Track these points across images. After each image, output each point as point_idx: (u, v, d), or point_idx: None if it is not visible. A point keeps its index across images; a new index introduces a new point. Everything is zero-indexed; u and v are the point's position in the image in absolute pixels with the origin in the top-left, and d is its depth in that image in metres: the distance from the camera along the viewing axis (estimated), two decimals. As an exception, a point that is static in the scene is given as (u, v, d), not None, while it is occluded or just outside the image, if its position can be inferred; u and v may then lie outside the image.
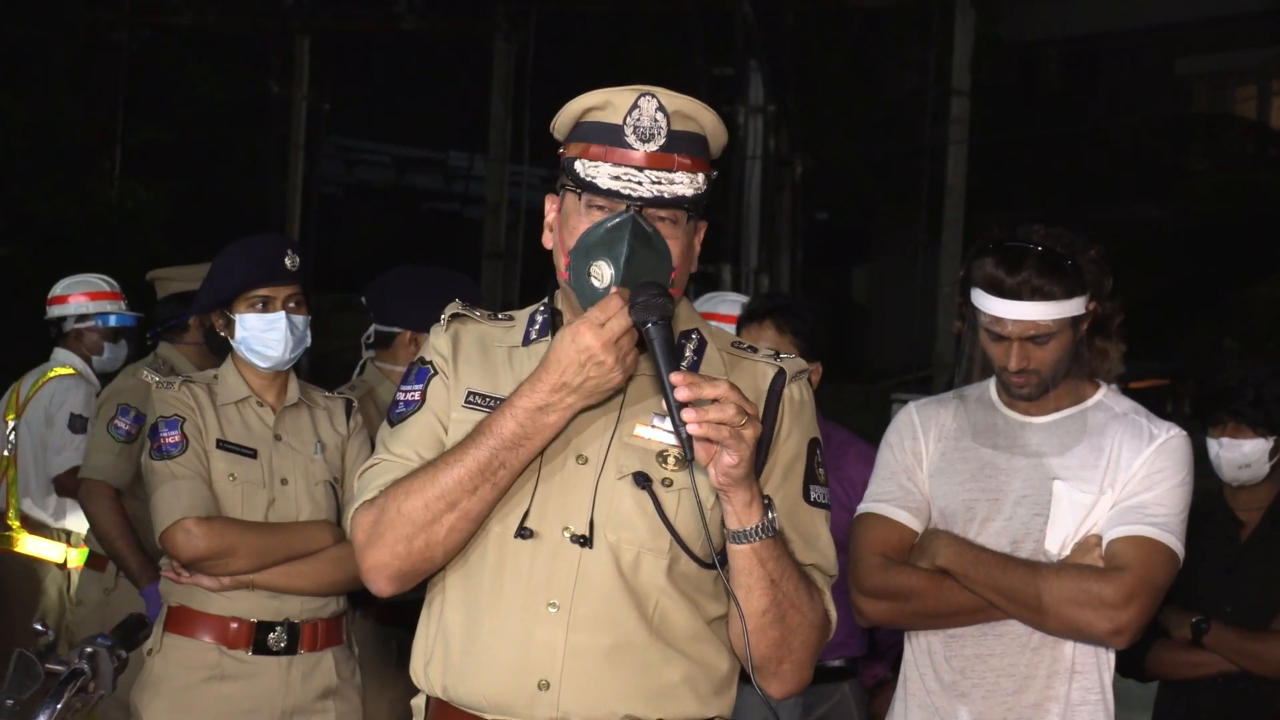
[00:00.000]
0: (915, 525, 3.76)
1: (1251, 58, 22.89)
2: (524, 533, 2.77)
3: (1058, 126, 22.27)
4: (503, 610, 2.77)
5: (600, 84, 2.88)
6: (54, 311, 7.22)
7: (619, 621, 2.75)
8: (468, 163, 21.34)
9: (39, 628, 2.81)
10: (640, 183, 2.77)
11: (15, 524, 6.92)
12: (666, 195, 2.77)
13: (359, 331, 5.61)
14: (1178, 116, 23.90)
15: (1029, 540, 3.68)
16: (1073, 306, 3.65)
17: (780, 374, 2.88)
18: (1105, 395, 3.79)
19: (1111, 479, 3.67)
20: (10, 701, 2.66)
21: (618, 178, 2.77)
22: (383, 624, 5.21)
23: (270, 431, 4.45)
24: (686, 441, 2.60)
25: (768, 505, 2.69)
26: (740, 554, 2.69)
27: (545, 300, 2.97)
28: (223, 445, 4.36)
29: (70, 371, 7.05)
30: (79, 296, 7.22)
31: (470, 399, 2.87)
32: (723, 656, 2.84)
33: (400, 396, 2.93)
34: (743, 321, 4.87)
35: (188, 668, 4.30)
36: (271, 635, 4.35)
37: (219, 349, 4.62)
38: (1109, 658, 3.73)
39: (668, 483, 2.76)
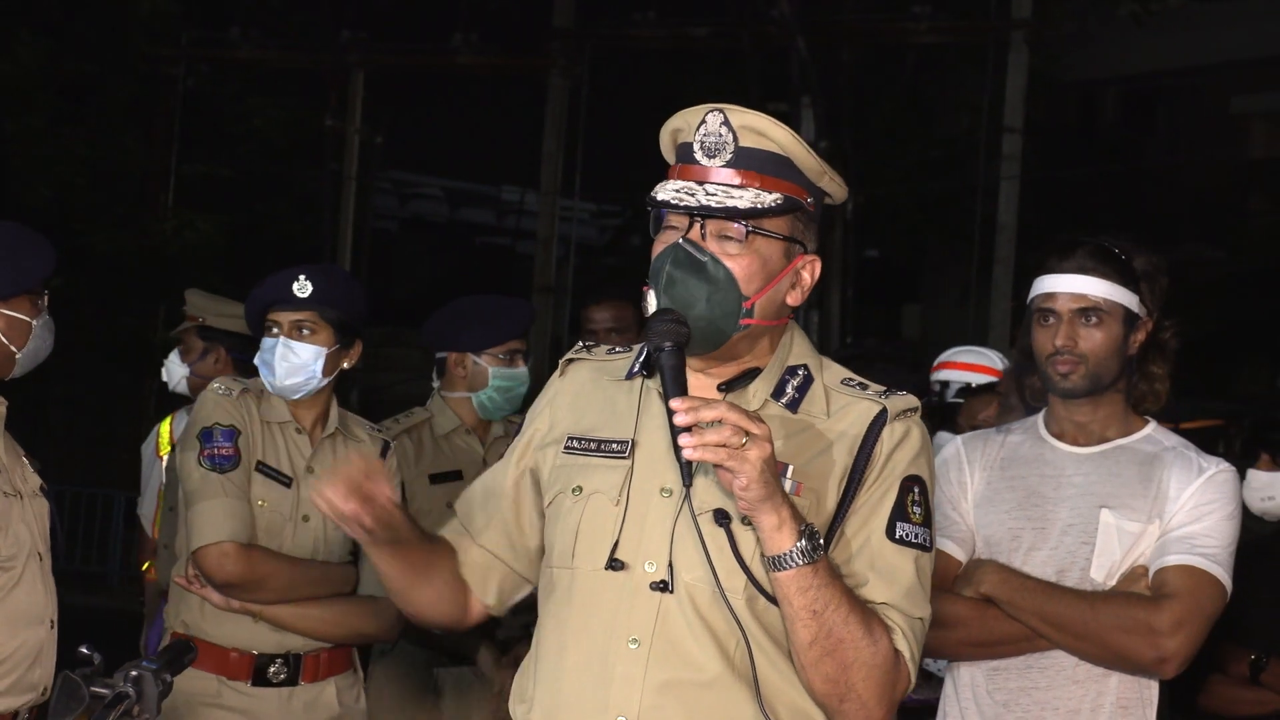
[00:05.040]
0: (960, 555, 3.74)
1: (1308, 96, 22.77)
2: (615, 564, 2.77)
3: (1113, 165, 22.19)
4: (586, 645, 2.77)
5: (654, 120, 2.92)
6: None
7: (698, 659, 2.73)
8: (520, 197, 21.41)
9: (84, 650, 2.82)
10: (693, 194, 2.75)
11: None
12: (714, 205, 2.74)
13: (411, 365, 5.65)
14: (1234, 157, 23.76)
15: (1075, 569, 3.65)
16: (1123, 295, 3.68)
17: (882, 412, 2.82)
18: (1153, 429, 3.78)
19: (1159, 509, 3.64)
20: (55, 724, 2.66)
21: (676, 191, 2.76)
22: (427, 648, 5.20)
23: (304, 461, 4.44)
24: (685, 466, 2.59)
25: (805, 532, 2.63)
26: (778, 582, 2.65)
27: None
28: (262, 468, 4.35)
29: None
30: None
31: (569, 444, 2.89)
32: (808, 699, 2.78)
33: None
34: None
35: (187, 695, 4.24)
36: (272, 668, 4.33)
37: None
38: (1153, 693, 3.69)
39: (747, 520, 2.69)
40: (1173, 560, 3.59)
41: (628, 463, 2.82)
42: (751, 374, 2.84)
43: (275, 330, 4.40)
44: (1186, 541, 3.60)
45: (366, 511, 2.76)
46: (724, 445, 2.54)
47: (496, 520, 2.98)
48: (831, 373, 2.90)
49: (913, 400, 2.87)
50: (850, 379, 2.89)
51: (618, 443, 2.84)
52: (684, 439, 2.54)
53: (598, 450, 2.85)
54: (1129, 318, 3.70)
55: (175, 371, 6.22)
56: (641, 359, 2.90)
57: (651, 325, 2.71)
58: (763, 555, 2.66)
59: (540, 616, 2.89)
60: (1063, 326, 3.68)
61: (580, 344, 3.05)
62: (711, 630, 2.74)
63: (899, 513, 2.80)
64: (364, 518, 2.75)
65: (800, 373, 2.86)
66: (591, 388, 2.95)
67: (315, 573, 4.36)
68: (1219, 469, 3.68)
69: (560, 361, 3.02)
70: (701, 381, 2.82)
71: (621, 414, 2.87)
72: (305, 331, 4.39)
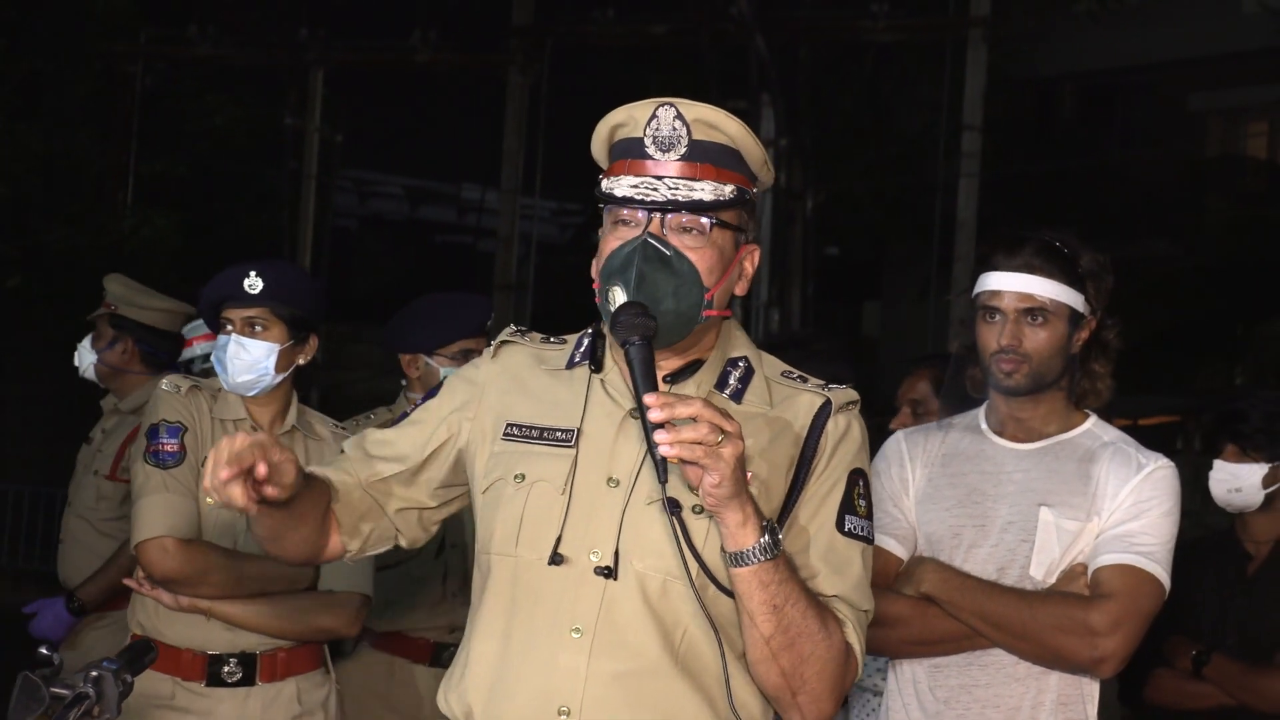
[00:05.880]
0: (901, 553, 3.76)
1: (1263, 94, 22.92)
2: (557, 559, 2.76)
3: (1071, 162, 22.28)
4: (527, 636, 2.77)
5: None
6: (185, 354, 7.07)
7: (642, 649, 2.73)
8: (480, 195, 21.38)
9: (44, 651, 2.81)
10: (655, 189, 2.75)
11: None
12: (682, 200, 2.75)
13: (371, 363, 5.62)
14: (1191, 154, 23.90)
15: (1014, 566, 3.67)
16: (1069, 295, 3.68)
17: (826, 404, 2.85)
18: (1094, 424, 3.80)
19: (1098, 507, 3.66)
20: (13, 726, 2.65)
21: (635, 186, 2.76)
22: (388, 653, 5.20)
23: None
24: (661, 463, 2.58)
25: (767, 528, 2.65)
26: (739, 577, 2.66)
27: (595, 323, 2.96)
28: None
29: None
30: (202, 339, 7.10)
31: (509, 431, 2.88)
32: (754, 693, 2.80)
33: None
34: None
35: (143, 697, 4.19)
36: (225, 668, 4.31)
37: None
38: (1093, 690, 3.71)
39: (698, 509, 2.71)
40: (1111, 559, 3.61)
41: (572, 452, 2.82)
42: (694, 366, 2.86)
43: (228, 327, 4.37)
44: (1124, 540, 3.61)
45: (255, 489, 2.67)
46: (700, 443, 2.54)
47: (393, 474, 2.96)
48: (770, 365, 2.92)
49: (853, 394, 2.90)
50: (789, 371, 2.92)
51: (562, 431, 2.84)
52: (660, 435, 2.54)
53: (540, 438, 2.85)
54: (1074, 317, 3.70)
55: (85, 357, 6.19)
56: (583, 349, 2.91)
57: (619, 319, 2.71)
58: (724, 551, 2.67)
59: (477, 603, 2.88)
60: (1008, 326, 3.68)
61: (513, 327, 3.03)
62: (658, 619, 2.74)
63: (847, 506, 2.83)
64: (250, 503, 2.67)
65: (741, 364, 2.88)
66: (528, 375, 2.94)
67: (266, 569, 4.32)
68: (1157, 465, 3.69)
69: (493, 343, 3.00)
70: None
71: (564, 403, 2.87)
72: (257, 328, 4.36)
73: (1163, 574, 3.62)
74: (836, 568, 2.80)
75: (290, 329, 4.39)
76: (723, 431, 2.55)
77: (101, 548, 6.15)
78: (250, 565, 4.31)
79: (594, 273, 2.89)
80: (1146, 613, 3.61)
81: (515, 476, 2.83)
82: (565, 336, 3.00)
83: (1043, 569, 3.65)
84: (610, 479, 2.79)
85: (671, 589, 2.74)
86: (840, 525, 2.82)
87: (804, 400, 2.86)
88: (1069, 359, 3.73)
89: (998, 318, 3.70)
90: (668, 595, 2.74)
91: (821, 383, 2.90)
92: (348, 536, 2.95)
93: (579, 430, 2.83)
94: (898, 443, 3.88)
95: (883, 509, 3.77)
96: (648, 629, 2.74)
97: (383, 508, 2.97)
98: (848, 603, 2.80)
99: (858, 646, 2.80)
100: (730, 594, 2.72)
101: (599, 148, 2.90)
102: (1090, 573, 3.63)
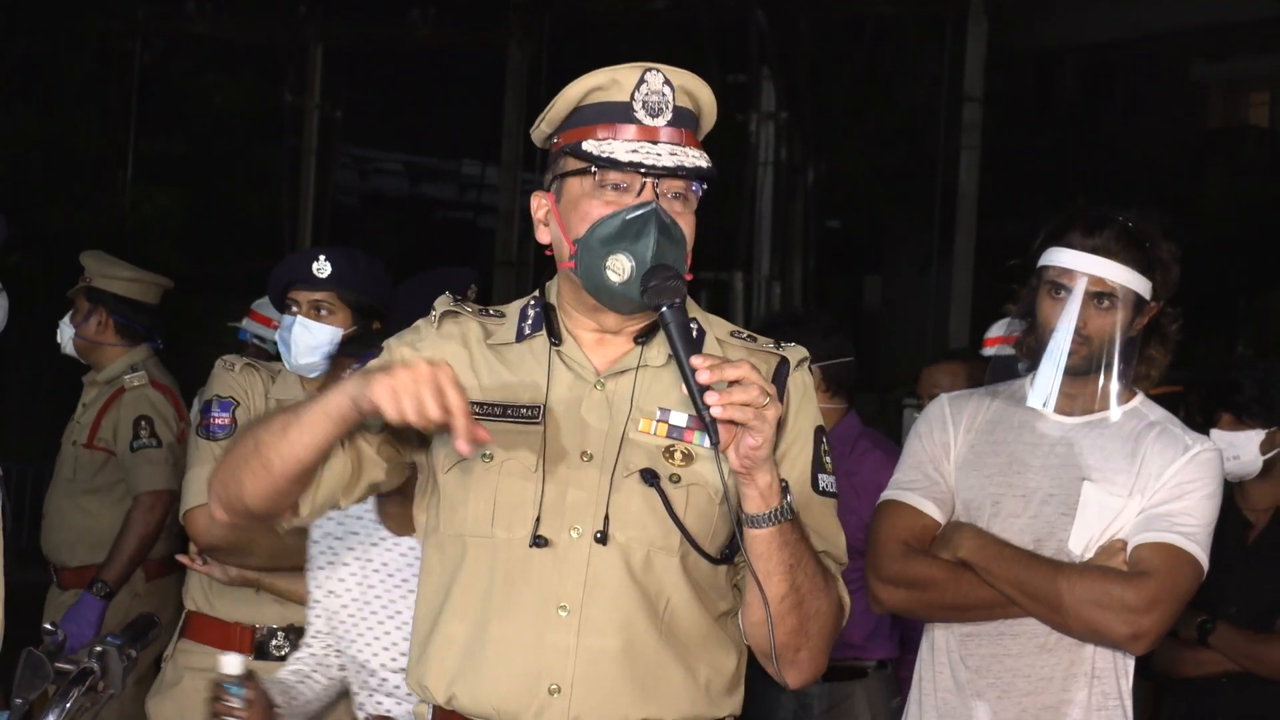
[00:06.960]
0: (939, 516, 3.73)
1: (1264, 64, 22.89)
2: (539, 541, 2.72)
3: (1071, 134, 22.26)
4: (512, 616, 2.73)
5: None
6: (255, 328, 6.94)
7: (630, 623, 2.72)
8: (481, 171, 21.36)
9: (48, 627, 2.82)
10: (660, 154, 2.72)
11: None
12: (687, 165, 2.72)
13: (373, 341, 5.56)
14: (1191, 126, 23.87)
15: (1053, 539, 3.64)
16: (1139, 284, 3.66)
17: (784, 363, 2.84)
18: (1140, 403, 3.77)
19: (1142, 485, 3.63)
20: (19, 700, 2.66)
21: (635, 150, 2.72)
22: None
23: None
24: (711, 425, 2.56)
25: (785, 488, 2.65)
26: (760, 538, 2.66)
27: (535, 294, 2.91)
28: None
29: None
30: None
31: (474, 409, 2.78)
32: (731, 654, 2.81)
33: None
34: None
35: (193, 672, 4.31)
36: (274, 641, 4.34)
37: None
38: (1128, 664, 3.68)
39: (675, 479, 2.71)
40: (1151, 537, 3.58)
41: (540, 428, 2.76)
42: (655, 327, 2.81)
43: (294, 309, 4.47)
44: (1166, 519, 3.59)
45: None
46: (749, 404, 2.54)
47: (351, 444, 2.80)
48: (717, 324, 2.90)
49: (803, 350, 2.89)
50: (738, 331, 2.90)
51: (526, 408, 2.77)
52: (710, 396, 2.53)
53: (504, 415, 2.78)
54: (1139, 302, 3.68)
55: (64, 333, 6.23)
56: (530, 321, 2.85)
57: (651, 283, 2.67)
58: (744, 513, 2.66)
59: (443, 583, 2.80)
60: (1075, 306, 3.67)
61: (449, 295, 2.94)
62: (642, 591, 2.73)
63: (818, 465, 2.84)
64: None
65: (694, 325, 2.83)
66: (475, 349, 2.86)
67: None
68: (1203, 448, 3.67)
69: (434, 313, 2.91)
70: (618, 340, 2.81)
71: (523, 376, 2.81)
72: (323, 312, 4.45)
73: (1202, 555, 3.59)
74: (818, 527, 2.81)
75: (355, 314, 4.46)
76: (766, 394, 2.55)
77: (75, 519, 6.17)
78: (296, 537, 4.33)
79: (547, 236, 2.82)
80: (1184, 592, 3.58)
81: (483, 456, 2.76)
82: (500, 308, 2.93)
83: (1081, 544, 3.62)
84: (584, 453, 2.76)
85: (655, 560, 2.73)
86: (815, 485, 2.83)
87: (758, 361, 2.80)
88: (1127, 342, 3.71)
89: (1063, 294, 3.67)
90: (651, 567, 2.73)
91: (771, 341, 2.89)
92: (306, 499, 2.79)
93: (545, 406, 2.78)
94: (941, 406, 3.84)
95: (922, 471, 3.76)
96: (634, 602, 2.72)
97: (360, 463, 2.80)
98: (832, 558, 2.83)
99: (846, 599, 2.84)
100: (712, 559, 2.73)
101: (561, 109, 2.82)
102: (1130, 550, 3.60)
